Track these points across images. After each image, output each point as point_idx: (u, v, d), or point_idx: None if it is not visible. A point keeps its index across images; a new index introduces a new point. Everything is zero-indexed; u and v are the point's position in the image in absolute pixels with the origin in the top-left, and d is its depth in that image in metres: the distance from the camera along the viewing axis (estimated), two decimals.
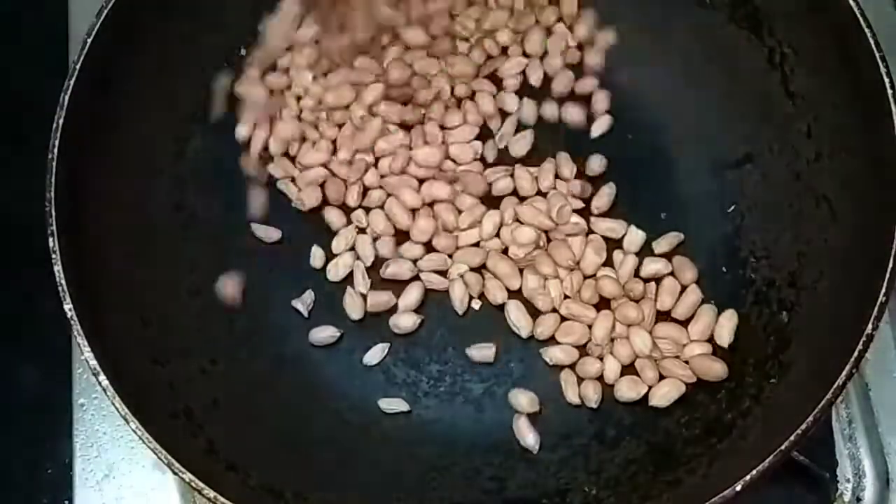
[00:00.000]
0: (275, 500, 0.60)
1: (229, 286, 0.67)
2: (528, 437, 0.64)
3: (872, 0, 0.62)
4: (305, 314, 0.68)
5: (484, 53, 0.73)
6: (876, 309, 0.56)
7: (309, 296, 0.68)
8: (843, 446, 0.68)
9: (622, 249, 0.68)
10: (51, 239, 0.59)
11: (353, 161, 0.71)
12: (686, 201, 0.70)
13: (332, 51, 0.72)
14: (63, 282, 0.58)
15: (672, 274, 0.67)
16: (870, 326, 0.56)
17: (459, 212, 0.69)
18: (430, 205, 0.70)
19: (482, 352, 0.67)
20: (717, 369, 0.63)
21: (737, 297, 0.66)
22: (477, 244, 0.69)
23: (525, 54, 0.73)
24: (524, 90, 0.73)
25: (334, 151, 0.71)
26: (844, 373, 0.55)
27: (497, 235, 0.69)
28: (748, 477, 0.54)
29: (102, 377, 0.57)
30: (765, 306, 0.65)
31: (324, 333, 0.67)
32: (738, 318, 0.65)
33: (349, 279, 0.68)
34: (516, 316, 0.67)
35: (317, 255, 0.69)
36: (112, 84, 0.64)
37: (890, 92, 0.59)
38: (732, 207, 0.69)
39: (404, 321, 0.67)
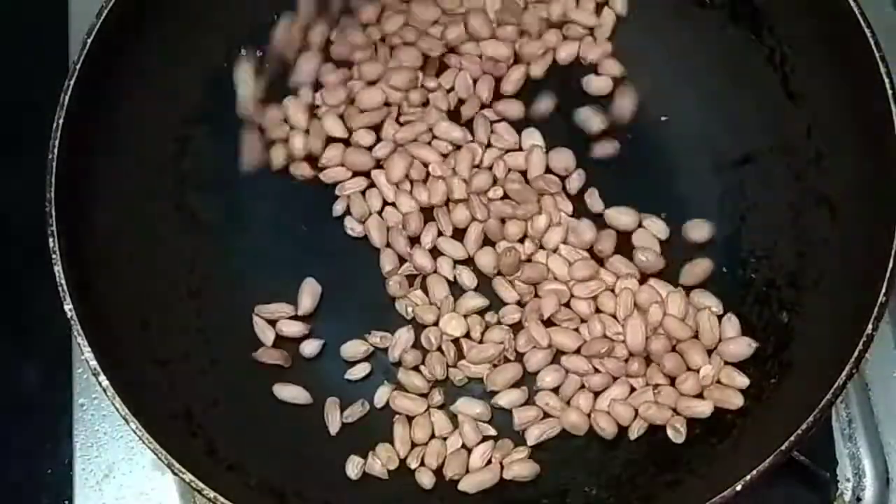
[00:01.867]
0: (275, 500, 0.60)
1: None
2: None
3: (872, 0, 0.62)
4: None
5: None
6: (876, 309, 0.56)
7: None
8: (843, 446, 0.68)
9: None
10: (51, 239, 0.59)
11: None
12: (686, 201, 0.70)
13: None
14: (63, 282, 0.58)
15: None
16: (870, 326, 0.56)
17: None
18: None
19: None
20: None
21: (737, 297, 0.66)
22: None
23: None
24: (528, 84, 0.72)
25: None
26: (844, 373, 0.55)
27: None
28: (748, 477, 0.54)
29: (102, 377, 0.57)
30: (765, 306, 0.65)
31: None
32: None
33: None
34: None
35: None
36: (112, 84, 0.64)
37: (890, 92, 0.59)
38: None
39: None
